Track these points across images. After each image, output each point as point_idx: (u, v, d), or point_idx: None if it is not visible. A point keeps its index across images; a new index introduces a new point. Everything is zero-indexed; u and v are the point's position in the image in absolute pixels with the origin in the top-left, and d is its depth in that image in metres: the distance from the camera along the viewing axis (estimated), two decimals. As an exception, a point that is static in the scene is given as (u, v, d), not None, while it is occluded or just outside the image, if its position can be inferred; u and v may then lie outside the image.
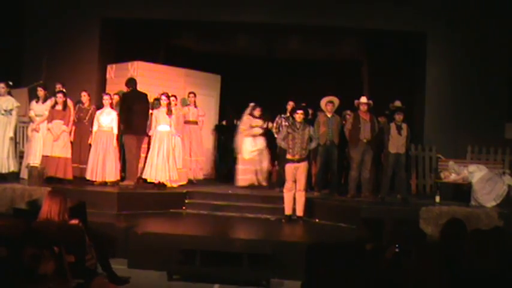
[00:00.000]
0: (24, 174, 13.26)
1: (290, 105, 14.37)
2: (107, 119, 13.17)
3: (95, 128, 13.25)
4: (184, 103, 15.07)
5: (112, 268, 8.54)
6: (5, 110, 12.87)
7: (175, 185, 13.51)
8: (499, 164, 14.07)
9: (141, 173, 13.53)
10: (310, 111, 13.59)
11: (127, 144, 13.52)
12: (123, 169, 13.70)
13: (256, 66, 18.91)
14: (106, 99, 13.43)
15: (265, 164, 14.67)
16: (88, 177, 13.12)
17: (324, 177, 13.84)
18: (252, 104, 14.70)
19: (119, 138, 13.63)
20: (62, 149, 12.96)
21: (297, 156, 11.82)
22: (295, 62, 18.71)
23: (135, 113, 13.38)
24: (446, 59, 15.56)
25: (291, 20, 15.84)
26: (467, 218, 9.63)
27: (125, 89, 14.27)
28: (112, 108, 13.42)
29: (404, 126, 13.04)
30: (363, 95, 13.59)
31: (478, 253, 5.48)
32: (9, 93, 13.10)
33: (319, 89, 15.09)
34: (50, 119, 13.01)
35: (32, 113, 13.43)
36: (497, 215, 11.23)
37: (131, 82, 13.72)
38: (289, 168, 11.94)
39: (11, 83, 13.24)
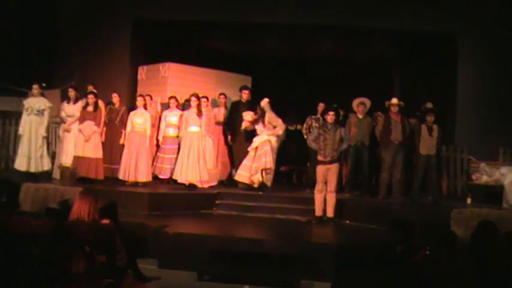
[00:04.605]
0: (56, 174, 13.41)
1: (320, 106, 14.35)
2: (140, 120, 13.24)
3: (128, 128, 13.35)
4: (215, 104, 15.08)
5: (138, 266, 8.60)
6: (38, 111, 13.00)
7: (205, 186, 13.52)
8: (531, 166, 13.92)
9: (172, 174, 13.58)
10: (341, 112, 13.56)
11: None
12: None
13: (287, 67, 18.92)
14: (140, 101, 13.52)
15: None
16: (121, 177, 13.18)
17: (355, 179, 13.81)
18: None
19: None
20: (93, 150, 13.05)
21: (328, 158, 11.78)
22: (326, 63, 18.65)
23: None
24: (478, 59, 15.41)
25: (321, 21, 15.80)
26: (499, 221, 9.46)
27: (156, 92, 14.47)
28: (145, 109, 13.50)
29: (435, 127, 12.98)
30: (394, 96, 13.54)
31: (509, 255, 5.44)
32: (42, 94, 13.22)
33: (350, 90, 15.04)
34: (81, 119, 13.13)
35: (63, 114, 13.57)
36: (529, 218, 11.11)
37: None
38: (320, 169, 11.91)
39: (44, 85, 13.38)
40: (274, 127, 13.44)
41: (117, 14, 16.17)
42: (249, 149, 13.53)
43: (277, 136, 13.61)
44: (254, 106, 13.86)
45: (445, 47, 16.22)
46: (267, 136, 13.32)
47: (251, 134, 13.75)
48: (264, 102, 13.59)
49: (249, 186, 13.50)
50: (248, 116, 13.73)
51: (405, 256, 6.62)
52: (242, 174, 13.62)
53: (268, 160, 13.23)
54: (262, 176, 13.35)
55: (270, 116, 13.48)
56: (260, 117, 13.50)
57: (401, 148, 13.01)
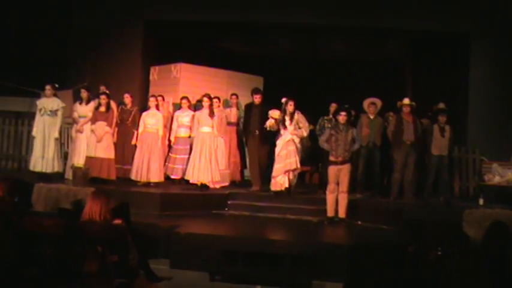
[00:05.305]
0: (68, 174, 13.44)
1: (333, 106, 14.34)
2: (153, 121, 13.28)
3: (140, 129, 13.38)
4: (227, 105, 15.09)
5: (150, 266, 8.61)
6: (51, 111, 13.04)
7: (217, 186, 13.53)
8: (544, 166, 13.87)
9: (184, 174, 13.60)
10: (353, 113, 13.53)
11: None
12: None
13: (299, 68, 18.90)
14: (152, 101, 13.57)
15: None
16: (133, 177, 13.22)
17: (366, 179, 13.78)
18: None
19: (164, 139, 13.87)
20: (105, 150, 13.09)
21: (340, 158, 11.79)
22: (337, 63, 18.65)
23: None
24: (490, 59, 15.39)
25: (333, 21, 15.81)
26: (511, 221, 9.50)
27: (168, 92, 14.51)
28: (157, 109, 13.54)
29: (447, 128, 12.93)
30: (406, 97, 13.50)
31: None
32: (55, 95, 13.26)
33: (362, 90, 15.02)
34: (94, 120, 13.18)
35: (75, 115, 13.63)
36: (542, 218, 11.05)
37: None
38: (332, 170, 11.91)
39: (57, 85, 13.42)
40: (299, 128, 13.26)
41: (129, 14, 16.23)
42: (276, 155, 13.24)
43: (301, 137, 13.43)
44: (268, 108, 13.68)
45: (457, 47, 16.19)
46: (291, 135, 13.14)
47: (268, 137, 13.66)
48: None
49: (281, 192, 13.22)
50: (275, 113, 13.54)
51: (417, 256, 6.61)
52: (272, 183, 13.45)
53: (293, 161, 13.05)
54: (289, 179, 13.20)
55: (299, 116, 13.32)
56: (290, 114, 13.26)
57: (413, 149, 12.95)
